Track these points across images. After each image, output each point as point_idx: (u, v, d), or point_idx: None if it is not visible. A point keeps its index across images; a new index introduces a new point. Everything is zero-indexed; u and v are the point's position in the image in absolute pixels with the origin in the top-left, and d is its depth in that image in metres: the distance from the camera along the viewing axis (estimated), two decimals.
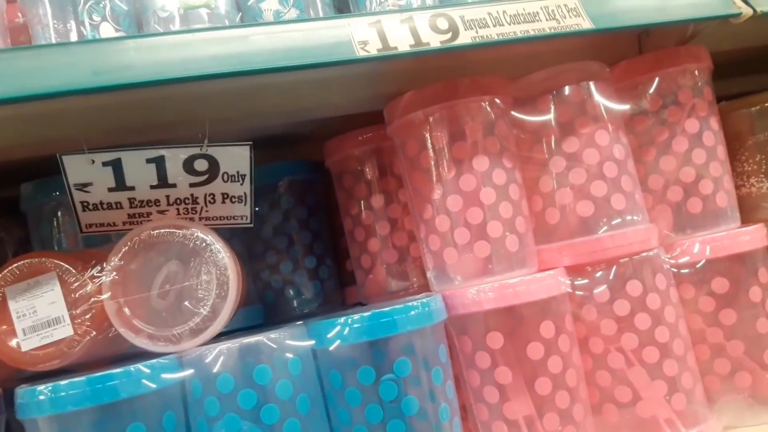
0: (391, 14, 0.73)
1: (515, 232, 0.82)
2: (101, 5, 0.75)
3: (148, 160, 0.71)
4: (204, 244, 0.74)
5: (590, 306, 0.84)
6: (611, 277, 0.83)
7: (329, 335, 0.71)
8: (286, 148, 1.11)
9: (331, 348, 0.71)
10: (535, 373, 0.78)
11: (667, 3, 0.80)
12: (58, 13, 0.73)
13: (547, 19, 0.77)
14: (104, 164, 0.70)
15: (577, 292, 0.83)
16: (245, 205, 0.80)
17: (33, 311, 0.71)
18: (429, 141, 0.83)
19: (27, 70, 0.61)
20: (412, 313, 0.73)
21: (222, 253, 0.74)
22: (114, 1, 0.75)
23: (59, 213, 0.88)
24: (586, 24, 0.77)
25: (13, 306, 0.70)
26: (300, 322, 0.76)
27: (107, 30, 0.74)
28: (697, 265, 0.87)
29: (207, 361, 0.68)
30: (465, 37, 0.74)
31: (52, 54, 0.62)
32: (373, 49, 0.70)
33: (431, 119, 0.82)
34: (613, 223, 0.83)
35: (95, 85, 0.63)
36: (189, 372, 0.68)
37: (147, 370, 0.65)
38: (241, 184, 0.78)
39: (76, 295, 0.71)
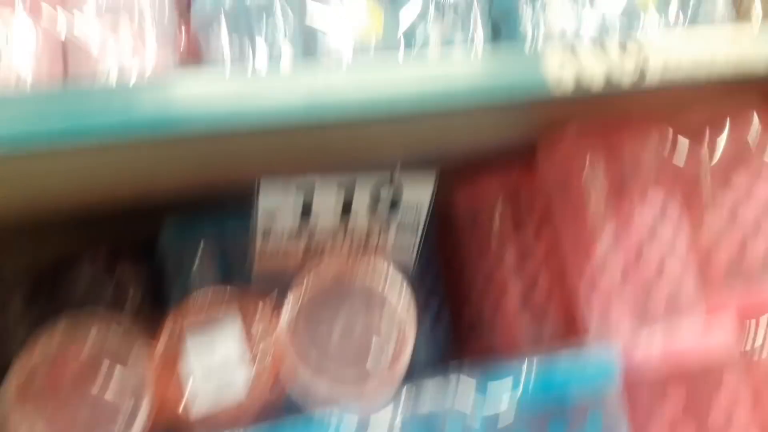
0: (582, 46, 0.71)
1: (691, 273, 0.79)
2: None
3: (340, 186, 0.67)
4: (387, 289, 0.69)
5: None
6: None
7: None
8: None
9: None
10: None
11: None
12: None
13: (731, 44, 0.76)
14: (297, 188, 0.66)
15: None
16: (414, 242, 0.76)
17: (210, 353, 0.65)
18: (592, 181, 0.80)
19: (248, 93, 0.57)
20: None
21: (404, 302, 0.69)
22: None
23: (203, 257, 0.82)
24: None
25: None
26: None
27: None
28: None
29: None
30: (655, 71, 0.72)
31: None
32: (570, 84, 0.68)
33: (601, 152, 0.80)
34: None
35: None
36: None
37: None
38: (416, 219, 0.74)
39: (257, 336, 0.66)
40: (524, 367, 0.65)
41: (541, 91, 0.67)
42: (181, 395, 0.63)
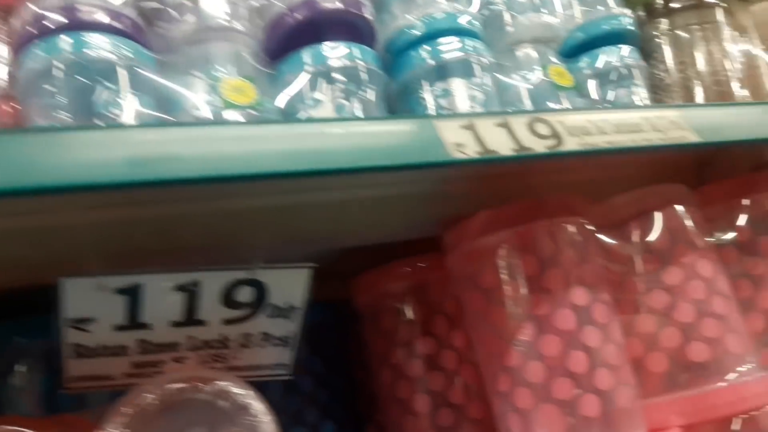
0: (484, 117, 0.61)
1: (625, 382, 0.66)
2: (121, 98, 0.59)
3: (177, 288, 0.52)
4: (242, 404, 0.54)
5: None
6: None
7: None
8: None
9: None
10: None
11: (762, 118, 0.73)
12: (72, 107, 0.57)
13: (652, 130, 0.67)
14: (118, 291, 0.51)
15: None
16: (289, 349, 0.61)
17: None
18: (511, 270, 0.68)
19: (46, 158, 0.43)
20: None
21: (266, 417, 0.54)
22: (139, 94, 0.60)
23: (21, 366, 0.65)
24: (692, 137, 0.67)
25: None
26: None
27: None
28: None
29: None
30: (571, 144, 0.62)
31: (77, 138, 0.45)
32: (472, 152, 0.57)
33: (514, 243, 0.68)
34: (733, 369, 0.69)
35: (131, 178, 0.46)
36: None
37: None
38: (290, 320, 0.59)
39: None
40: None
41: (438, 154, 0.55)
42: None
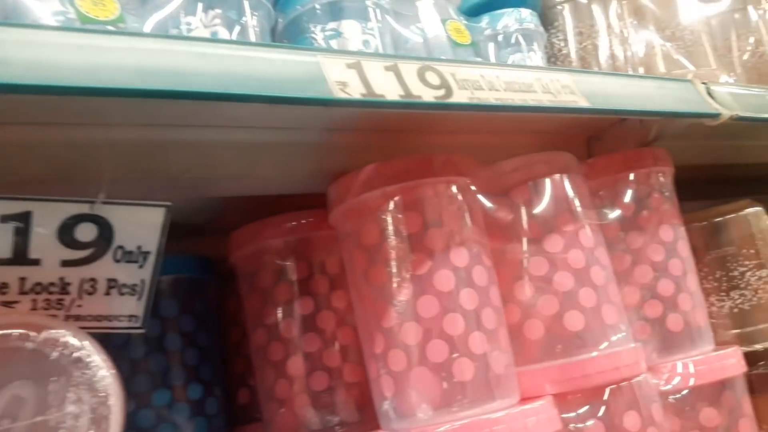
0: (372, 58, 0.57)
1: (500, 348, 0.65)
2: None
3: (5, 218, 0.45)
4: (76, 356, 0.48)
5: None
6: (605, 408, 0.67)
7: None
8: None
9: None
10: None
11: (651, 92, 0.73)
12: None
13: (543, 92, 0.65)
14: None
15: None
16: (140, 299, 0.55)
17: None
18: (394, 228, 0.65)
19: None
20: None
21: (103, 371, 0.48)
22: None
23: None
24: (582, 102, 0.67)
25: None
26: None
27: None
28: (683, 393, 0.75)
29: None
30: (461, 97, 0.59)
31: None
32: (356, 92, 0.53)
33: (399, 200, 0.65)
34: (606, 339, 0.69)
35: None
36: None
37: None
38: (140, 267, 0.53)
39: None
40: None
41: (318, 90, 0.51)
42: None
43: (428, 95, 0.57)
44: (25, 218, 0.46)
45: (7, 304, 0.50)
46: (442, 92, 0.58)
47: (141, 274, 0.53)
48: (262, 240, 0.75)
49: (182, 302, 0.81)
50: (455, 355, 0.62)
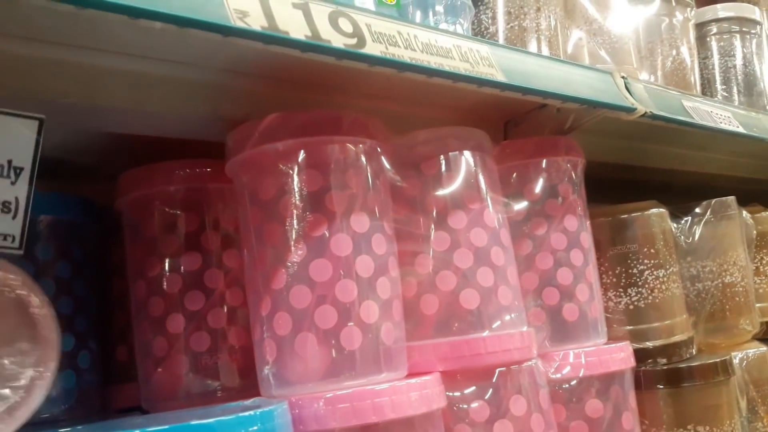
0: None
1: (392, 320, 0.62)
2: None
3: None
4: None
5: (464, 426, 0.65)
6: (493, 391, 0.66)
7: None
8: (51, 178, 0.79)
9: None
10: None
11: (571, 78, 0.72)
12: None
13: (460, 60, 0.63)
14: None
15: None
16: (14, 218, 0.49)
17: None
18: (294, 184, 0.61)
19: None
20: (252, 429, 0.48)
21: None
22: None
23: None
24: (499, 76, 0.65)
25: None
26: None
27: None
28: (572, 383, 0.75)
29: None
30: (374, 49, 0.56)
31: None
32: (256, 24, 0.49)
33: (302, 155, 0.61)
34: (499, 320, 0.68)
35: None
36: None
37: None
38: (13, 183, 0.48)
39: None
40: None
41: (211, 14, 0.46)
42: None
43: (338, 41, 0.54)
44: None
45: None
46: (353, 41, 0.55)
47: (14, 191, 0.48)
48: (151, 186, 0.70)
49: (60, 246, 0.74)
50: (345, 323, 0.59)
